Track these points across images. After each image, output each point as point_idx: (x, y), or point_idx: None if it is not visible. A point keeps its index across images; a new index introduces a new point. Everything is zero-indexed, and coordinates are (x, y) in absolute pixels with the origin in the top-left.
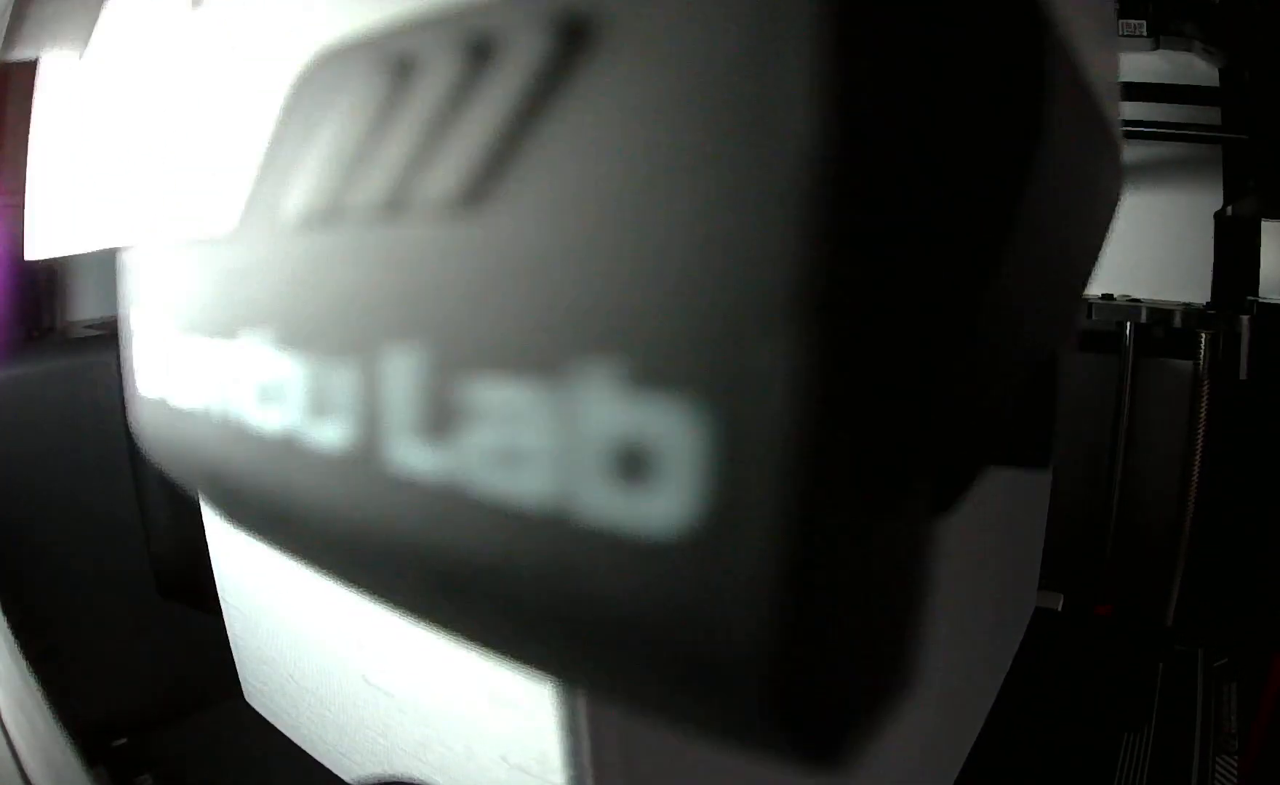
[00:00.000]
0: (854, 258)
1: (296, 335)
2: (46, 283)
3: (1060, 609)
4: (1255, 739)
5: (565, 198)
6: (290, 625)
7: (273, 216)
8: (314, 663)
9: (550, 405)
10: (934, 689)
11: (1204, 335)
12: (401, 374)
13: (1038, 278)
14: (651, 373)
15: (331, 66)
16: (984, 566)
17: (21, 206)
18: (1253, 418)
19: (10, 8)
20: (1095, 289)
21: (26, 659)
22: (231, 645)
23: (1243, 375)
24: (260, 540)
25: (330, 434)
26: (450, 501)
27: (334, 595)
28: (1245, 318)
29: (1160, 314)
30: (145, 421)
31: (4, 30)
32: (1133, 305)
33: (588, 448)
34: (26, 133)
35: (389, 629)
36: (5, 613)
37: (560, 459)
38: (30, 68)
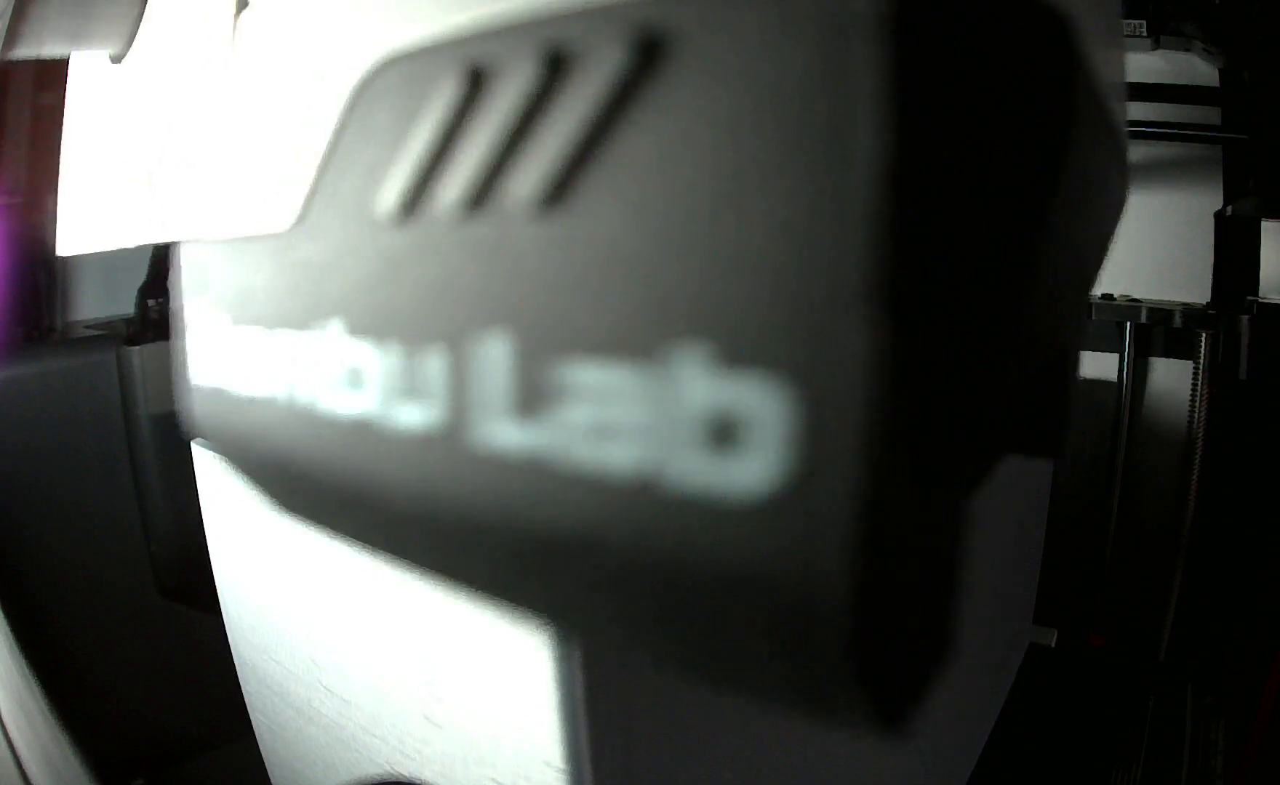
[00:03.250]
0: (916, 254)
1: (382, 324)
2: (46, 283)
3: (1054, 644)
4: (1240, 779)
5: (649, 199)
6: (320, 748)
7: (354, 214)
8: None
9: (644, 383)
10: (929, 726)
11: (1204, 335)
12: (492, 358)
13: (1054, 277)
14: (740, 354)
15: (400, 71)
16: (978, 601)
17: (20, 206)
18: (1253, 418)
19: (10, 7)
20: (1095, 289)
21: (27, 660)
22: (261, 748)
23: (1243, 375)
24: (325, 525)
25: (414, 416)
26: (537, 475)
27: (361, 690)
28: (1245, 318)
29: (1160, 314)
30: (200, 410)
31: (4, 30)
32: (1133, 305)
33: (681, 420)
34: (25, 133)
35: (409, 722)
36: (6, 612)
37: (653, 431)
38: (30, 67)
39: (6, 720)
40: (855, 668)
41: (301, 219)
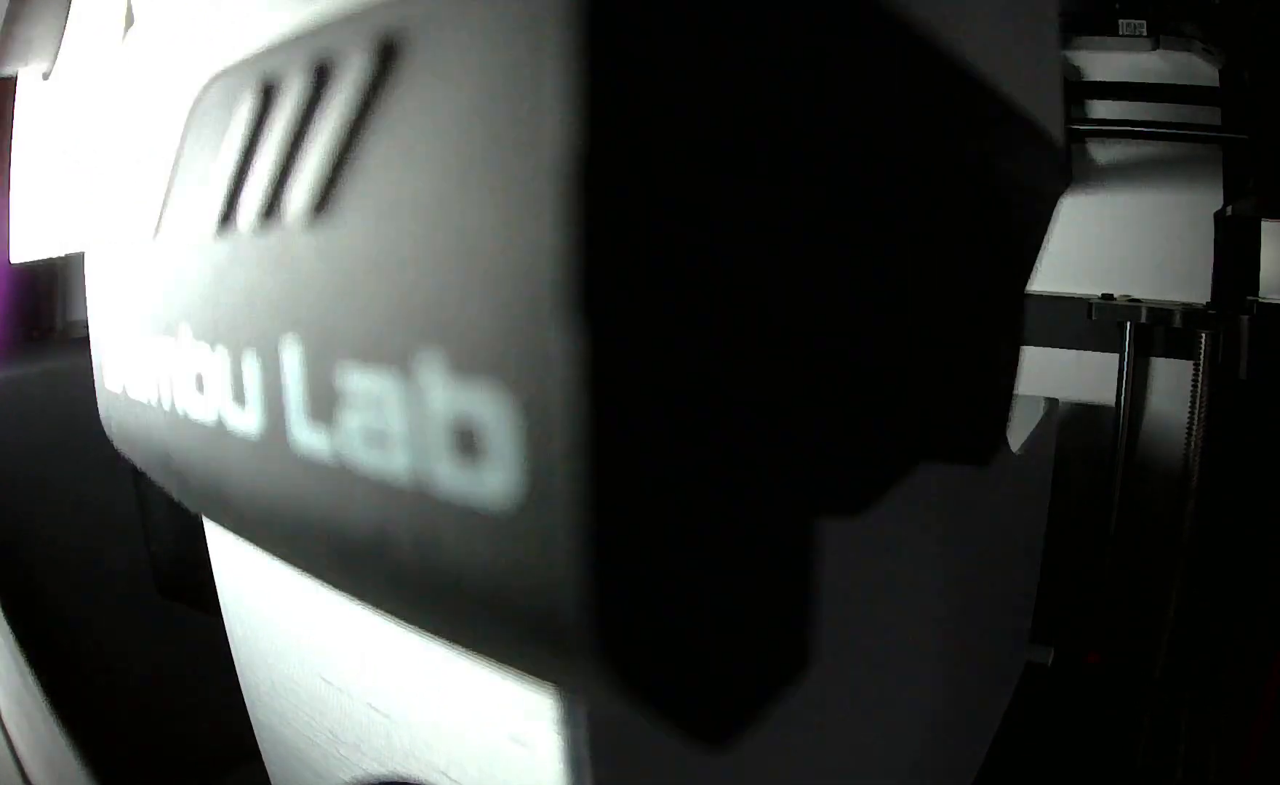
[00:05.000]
0: (615, 257)
1: (218, 331)
2: (47, 283)
3: (1050, 663)
4: (1239, 781)
5: (394, 204)
6: None
7: (189, 226)
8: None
9: (400, 391)
10: (926, 742)
11: (1204, 335)
12: (294, 364)
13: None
14: (471, 361)
15: (220, 87)
16: (975, 620)
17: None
18: (1253, 418)
19: None
20: (1095, 289)
21: (27, 660)
22: None
23: (1243, 375)
24: (210, 520)
25: (248, 419)
26: (340, 479)
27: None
28: (1245, 318)
29: (1160, 314)
30: (109, 413)
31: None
32: (1133, 305)
33: (432, 428)
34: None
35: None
36: (6, 612)
37: (415, 438)
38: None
39: (6, 720)
40: (606, 677)
41: (157, 230)
